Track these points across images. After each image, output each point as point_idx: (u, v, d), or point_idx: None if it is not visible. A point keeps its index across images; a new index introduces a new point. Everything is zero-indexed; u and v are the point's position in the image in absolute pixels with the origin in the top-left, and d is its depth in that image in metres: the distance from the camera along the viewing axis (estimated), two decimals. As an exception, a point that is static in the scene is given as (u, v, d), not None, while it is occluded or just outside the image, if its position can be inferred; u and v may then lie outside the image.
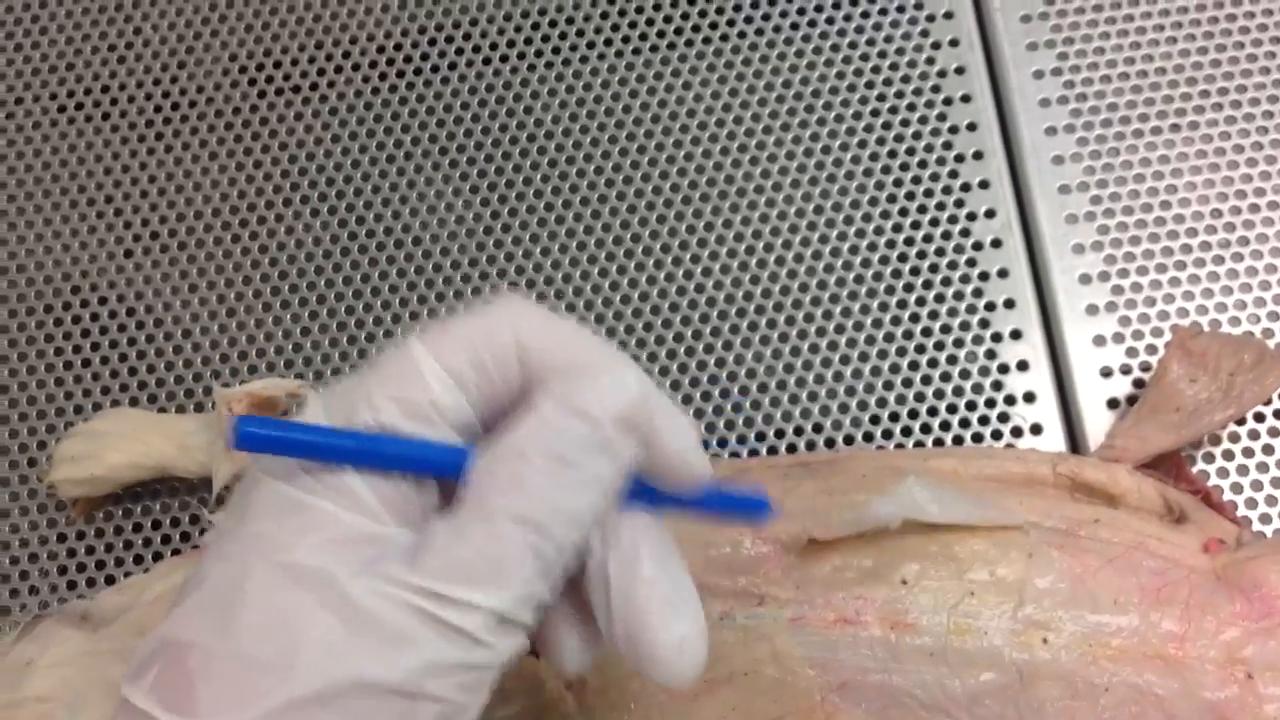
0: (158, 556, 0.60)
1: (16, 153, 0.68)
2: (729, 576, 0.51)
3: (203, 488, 0.60)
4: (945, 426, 0.61)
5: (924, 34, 0.67)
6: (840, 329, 0.63)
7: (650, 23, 0.69)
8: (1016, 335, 0.62)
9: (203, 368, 0.64)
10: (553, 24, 0.69)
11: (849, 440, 0.61)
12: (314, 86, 0.69)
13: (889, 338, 0.63)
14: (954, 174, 0.65)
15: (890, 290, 0.63)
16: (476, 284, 0.64)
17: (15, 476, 0.62)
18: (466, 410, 0.36)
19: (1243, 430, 0.60)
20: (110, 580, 0.60)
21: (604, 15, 0.69)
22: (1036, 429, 0.61)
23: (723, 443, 0.62)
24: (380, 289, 0.65)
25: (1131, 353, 0.62)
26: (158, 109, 0.69)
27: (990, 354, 0.62)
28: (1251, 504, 0.59)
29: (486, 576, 0.34)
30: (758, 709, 0.49)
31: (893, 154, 0.65)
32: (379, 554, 0.34)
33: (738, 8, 0.69)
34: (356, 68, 0.69)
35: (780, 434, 0.62)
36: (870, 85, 0.67)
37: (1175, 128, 0.65)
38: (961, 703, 0.49)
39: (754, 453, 0.61)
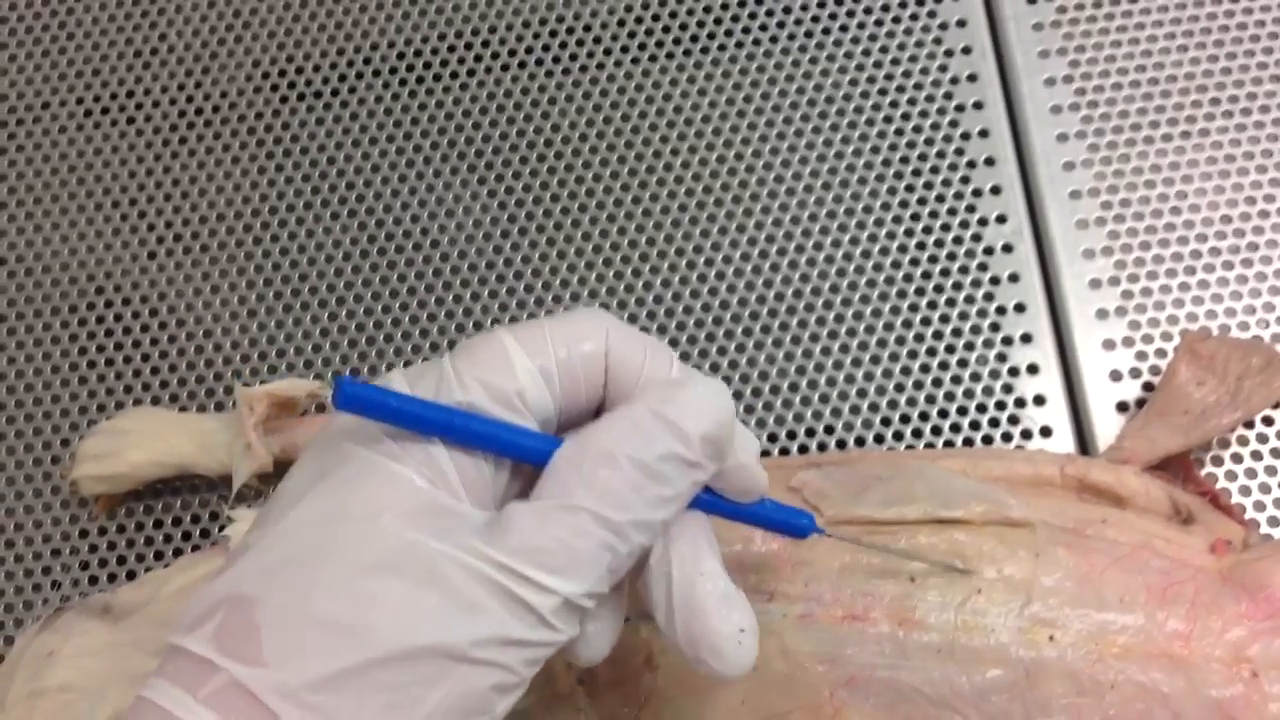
0: (178, 552, 0.61)
1: (43, 156, 0.69)
2: (739, 573, 0.51)
3: (223, 485, 0.61)
4: (955, 429, 0.62)
5: (937, 42, 0.68)
6: (852, 332, 0.64)
7: (667, 30, 0.70)
8: (1027, 339, 0.63)
9: (224, 368, 0.65)
10: (570, 31, 0.70)
11: (860, 442, 0.62)
12: (335, 92, 0.70)
13: (900, 340, 0.63)
14: (966, 180, 0.66)
15: (902, 294, 0.64)
16: (493, 287, 0.65)
17: (40, 473, 0.63)
18: (549, 406, 0.38)
19: (1251, 434, 0.61)
20: (131, 575, 0.61)
21: (621, 23, 0.70)
22: (1046, 432, 0.62)
23: (735, 444, 0.62)
24: (399, 291, 0.66)
25: (1141, 356, 0.62)
26: (182, 113, 0.70)
27: (1001, 357, 0.63)
28: (1260, 507, 0.59)
29: (563, 565, 0.35)
30: (767, 703, 0.50)
31: (905, 160, 0.66)
32: (457, 526, 0.35)
33: (753, 16, 0.70)
34: (377, 74, 0.70)
35: (792, 435, 0.62)
36: (884, 92, 0.67)
37: (1186, 134, 0.66)
38: (969, 699, 0.49)
39: (765, 453, 0.62)
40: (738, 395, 0.63)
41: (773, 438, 0.62)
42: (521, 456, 0.37)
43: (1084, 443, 0.62)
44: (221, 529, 0.59)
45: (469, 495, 0.37)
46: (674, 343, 0.64)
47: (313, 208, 0.67)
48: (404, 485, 0.35)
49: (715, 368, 0.63)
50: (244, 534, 0.38)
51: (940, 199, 0.65)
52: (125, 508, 0.62)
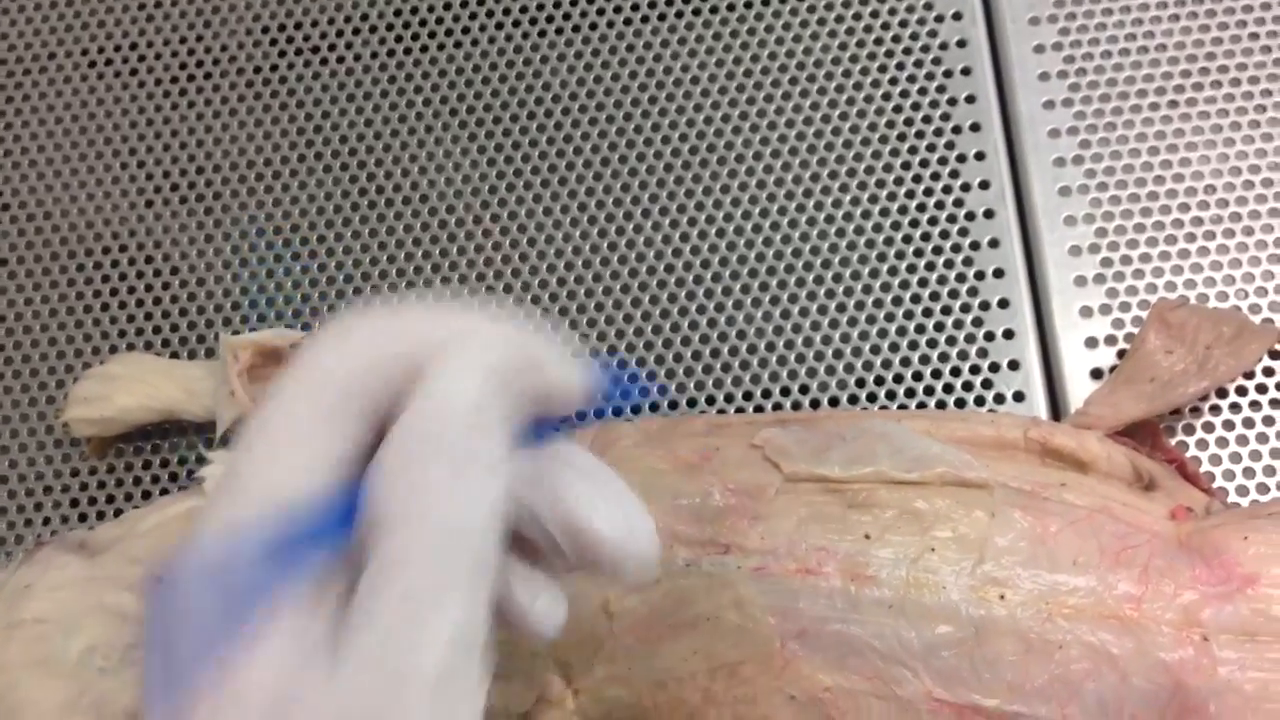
0: (165, 493, 0.63)
1: (48, 105, 0.71)
2: (696, 525, 0.52)
3: (207, 430, 0.63)
4: (929, 391, 0.63)
5: (928, 6, 0.68)
6: (830, 293, 0.64)
7: (662, -9, 0.71)
8: (1004, 304, 0.63)
9: (214, 315, 0.66)
10: (564, -9, 0.71)
11: (834, 402, 0.63)
12: (332, 48, 0.71)
13: (878, 304, 0.64)
14: (951, 145, 0.66)
15: (882, 257, 0.65)
16: (480, 242, 0.67)
17: (34, 413, 0.65)
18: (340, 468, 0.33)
19: (1224, 403, 0.61)
20: (118, 514, 0.63)
21: (617, -17, 0.71)
22: (1019, 396, 0.62)
23: (710, 400, 0.63)
24: (387, 244, 0.67)
25: (1118, 324, 0.63)
26: (183, 66, 0.71)
27: (977, 322, 0.63)
28: (1229, 476, 0.60)
29: (429, 612, 0.30)
30: (719, 653, 0.51)
31: (891, 124, 0.67)
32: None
33: (747, -22, 0.70)
34: (374, 30, 0.71)
35: (767, 394, 0.63)
36: (873, 56, 0.68)
37: (1173, 104, 0.66)
38: (918, 654, 0.50)
39: (740, 410, 0.63)
40: (714, 353, 0.64)
41: (747, 395, 0.63)
42: (331, 543, 0.32)
43: (1056, 409, 0.62)
44: (200, 471, 0.60)
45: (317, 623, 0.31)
46: (654, 299, 0.65)
47: (306, 160, 0.69)
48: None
49: (693, 325, 0.64)
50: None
51: (924, 164, 0.66)
52: (115, 449, 0.64)
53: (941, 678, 0.50)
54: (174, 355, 0.66)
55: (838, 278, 0.64)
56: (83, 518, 0.63)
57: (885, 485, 0.53)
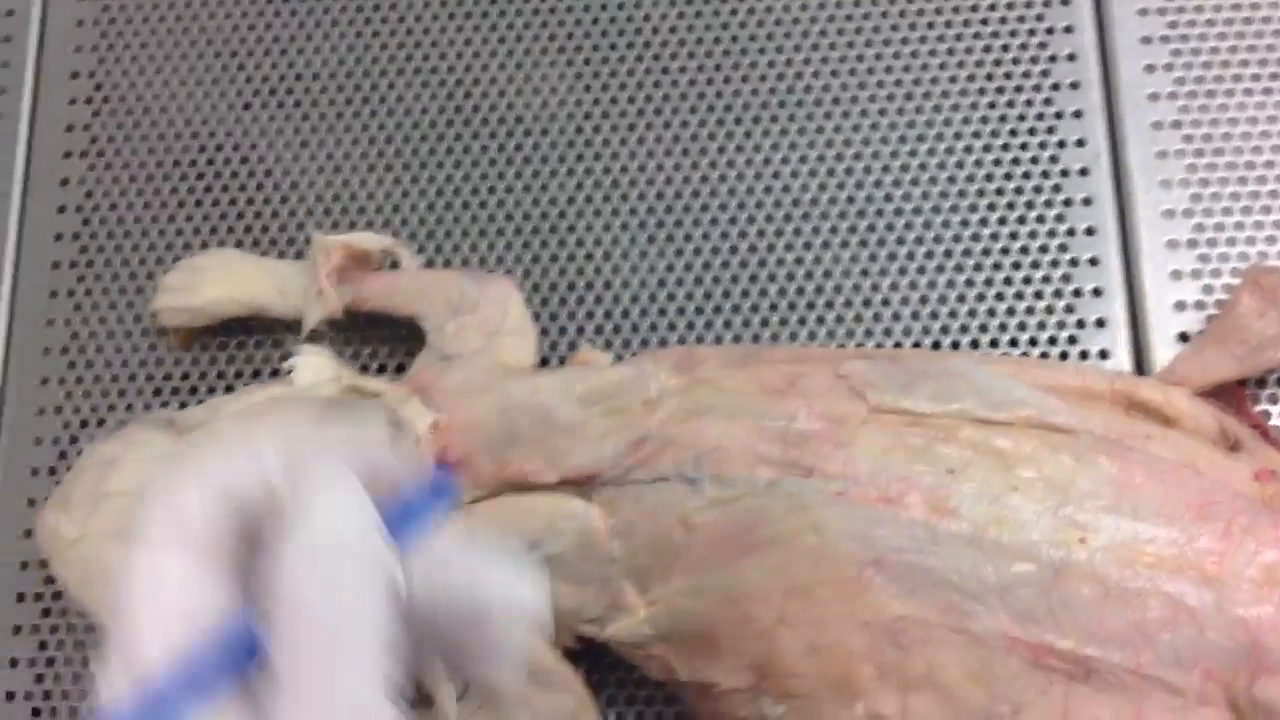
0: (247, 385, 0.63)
1: (153, 3, 0.71)
2: (779, 446, 0.52)
3: (294, 328, 0.63)
4: (1014, 344, 0.62)
5: (1034, -36, 0.68)
6: (919, 240, 0.64)
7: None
8: (1094, 262, 0.63)
9: (305, 219, 0.67)
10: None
11: (917, 348, 0.63)
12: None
13: (967, 253, 0.64)
14: (1049, 101, 0.66)
15: (973, 208, 0.65)
16: (571, 165, 0.67)
17: (123, 302, 0.66)
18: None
19: (1310, 373, 0.61)
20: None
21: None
22: (1104, 354, 0.62)
23: (792, 336, 0.63)
24: (480, 162, 0.67)
25: (1208, 290, 0.62)
26: (287, -29, 0.72)
27: (1066, 278, 0.63)
28: (1311, 446, 0.59)
29: None
30: (794, 574, 0.51)
31: (990, 76, 0.66)
32: None
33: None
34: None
35: (850, 334, 0.63)
36: (975, 8, 0.68)
37: (1276, 76, 0.65)
38: (994, 590, 0.50)
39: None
40: (799, 291, 0.64)
41: (830, 334, 0.63)
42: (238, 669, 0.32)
43: (1140, 370, 0.62)
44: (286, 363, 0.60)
45: None
46: (743, 234, 0.65)
47: (404, 73, 0.69)
48: None
49: (779, 262, 0.64)
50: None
51: (1021, 118, 0.66)
52: (201, 342, 0.65)
53: (1017, 616, 0.50)
54: (263, 254, 0.66)
55: (928, 225, 0.64)
56: (165, 406, 0.64)
57: (970, 423, 0.53)
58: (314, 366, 0.55)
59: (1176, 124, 0.65)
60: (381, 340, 0.64)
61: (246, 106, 0.69)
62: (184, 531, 0.32)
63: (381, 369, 0.64)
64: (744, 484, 0.52)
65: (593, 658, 0.56)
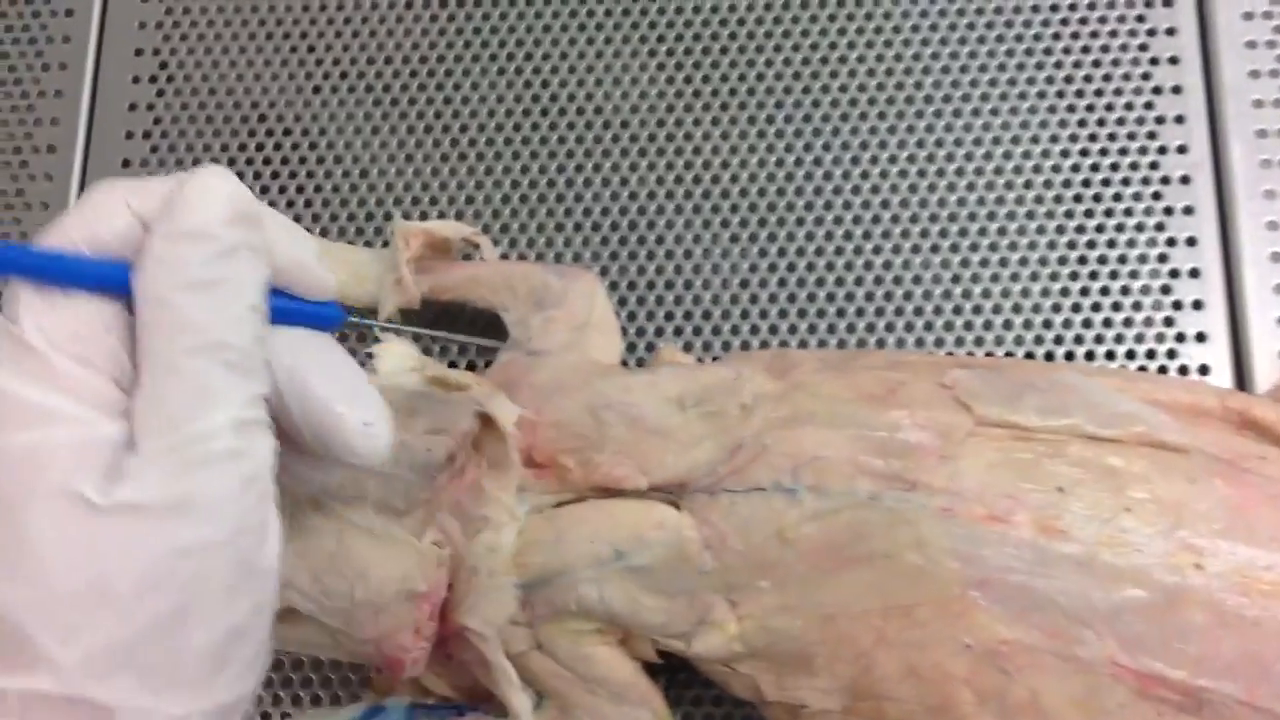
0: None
1: (220, -23, 0.69)
2: (881, 458, 0.50)
3: (368, 315, 0.61)
4: (1110, 356, 0.60)
5: (1135, -36, 0.66)
6: (1013, 246, 0.62)
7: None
8: (1195, 274, 0.61)
9: (376, 208, 0.65)
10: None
11: (1009, 356, 0.60)
12: (515, -51, 0.69)
13: (1063, 261, 0.62)
14: (1150, 105, 0.63)
15: (1070, 214, 0.62)
16: (653, 159, 0.64)
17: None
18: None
19: None
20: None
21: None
22: (1204, 370, 0.60)
23: (881, 343, 0.61)
24: (557, 153, 0.65)
25: (1314, 307, 0.60)
26: (358, -47, 0.70)
27: (1165, 289, 0.61)
28: None
29: (203, 406, 0.35)
30: (894, 592, 0.49)
31: (1089, 78, 0.64)
32: (111, 455, 0.35)
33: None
34: (558, -64, 0.69)
35: (940, 343, 0.61)
36: (1074, 7, 0.65)
37: (1387, 85, 0.63)
38: (1104, 616, 0.48)
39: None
40: (887, 296, 0.61)
41: (919, 343, 0.61)
42: (115, 286, 0.36)
43: (1242, 387, 0.60)
44: (369, 355, 0.58)
45: (103, 407, 0.35)
46: (829, 235, 0.62)
47: (480, 60, 0.67)
48: (52, 438, 0.34)
49: (868, 265, 0.62)
50: None
51: (1121, 121, 0.63)
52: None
53: (1126, 643, 0.48)
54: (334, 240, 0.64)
55: (1022, 231, 0.62)
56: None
57: (1080, 439, 0.51)
58: (396, 355, 0.53)
59: (1283, 132, 0.62)
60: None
61: (316, 90, 0.67)
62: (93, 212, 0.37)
63: (453, 365, 0.62)
64: (844, 496, 0.50)
65: (671, 671, 0.53)
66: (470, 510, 0.50)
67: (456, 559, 0.50)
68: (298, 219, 0.65)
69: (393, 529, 0.49)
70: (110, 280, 0.36)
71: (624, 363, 0.61)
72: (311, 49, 0.68)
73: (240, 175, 0.62)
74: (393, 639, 0.49)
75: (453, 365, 0.62)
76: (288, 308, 0.40)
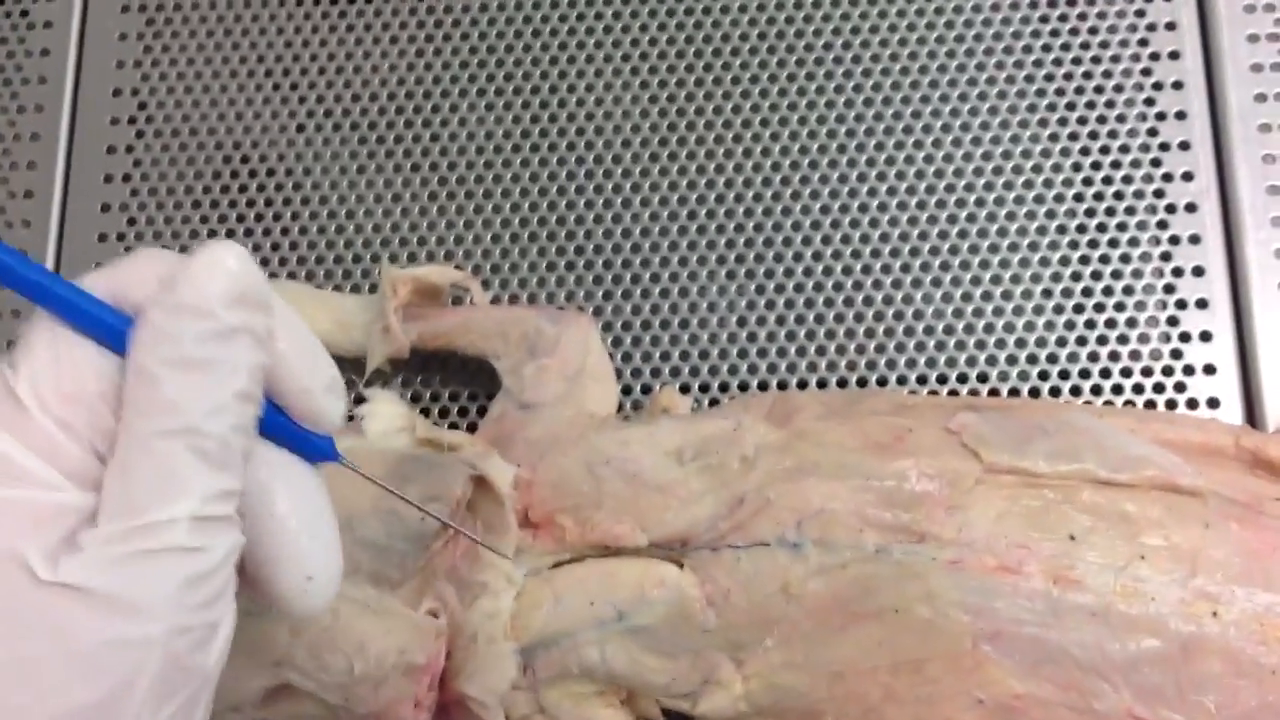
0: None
1: (200, 17, 0.68)
2: (889, 509, 0.49)
3: (356, 367, 0.59)
4: (1118, 390, 0.59)
5: (1136, -13, 0.65)
6: (1017, 279, 0.60)
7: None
8: (1202, 304, 0.60)
9: (363, 250, 0.63)
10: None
11: (1014, 393, 0.59)
12: (500, -19, 0.68)
13: (1067, 293, 0.60)
14: (1154, 131, 0.62)
15: (1074, 245, 0.61)
16: (646, 196, 0.63)
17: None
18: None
19: None
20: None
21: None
22: (1214, 403, 0.58)
23: (882, 381, 0.60)
24: (548, 190, 0.64)
25: (1325, 336, 0.59)
26: (342, -12, 0.68)
27: (1173, 320, 0.60)
28: None
29: (165, 494, 0.33)
30: (904, 648, 0.48)
31: (1091, 104, 0.63)
32: (70, 526, 0.33)
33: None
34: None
35: (943, 379, 0.60)
36: (1075, 32, 0.64)
37: (1395, 106, 0.62)
38: (1119, 667, 0.47)
39: (929, 392, 0.59)
40: (887, 332, 0.60)
41: (921, 380, 0.60)
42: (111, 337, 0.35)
43: (1253, 419, 0.58)
44: (356, 414, 0.56)
45: (73, 478, 0.34)
46: (838, 286, 0.61)
47: (468, 96, 0.65)
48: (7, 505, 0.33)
49: (868, 300, 0.61)
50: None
51: (1125, 149, 0.62)
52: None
53: (1143, 694, 0.47)
54: (317, 286, 0.62)
55: (1024, 263, 0.61)
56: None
57: (1091, 484, 0.50)
58: (386, 415, 0.51)
59: (1289, 158, 0.61)
60: (444, 382, 0.60)
61: (300, 129, 0.65)
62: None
63: (443, 414, 0.60)
64: (850, 550, 0.48)
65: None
66: (467, 576, 0.49)
67: (454, 627, 0.49)
68: (281, 263, 0.63)
69: (388, 601, 0.48)
70: (118, 334, 0.34)
71: (621, 406, 0.59)
72: (294, 87, 0.66)
73: (221, 219, 0.61)
74: (393, 712, 0.48)
75: (444, 413, 0.60)
76: (282, 426, 0.38)
